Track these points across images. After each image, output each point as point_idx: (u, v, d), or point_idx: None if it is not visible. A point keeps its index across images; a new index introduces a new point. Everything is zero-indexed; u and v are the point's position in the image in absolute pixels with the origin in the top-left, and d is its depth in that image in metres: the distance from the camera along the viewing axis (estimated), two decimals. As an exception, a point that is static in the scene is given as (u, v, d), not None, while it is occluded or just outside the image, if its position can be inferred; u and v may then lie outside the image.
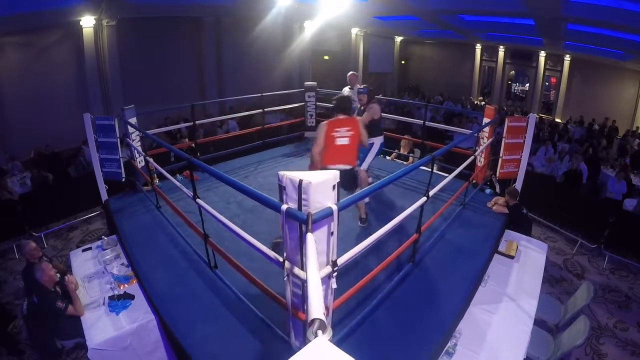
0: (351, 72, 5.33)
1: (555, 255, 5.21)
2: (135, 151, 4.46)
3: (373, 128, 4.00)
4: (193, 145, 5.47)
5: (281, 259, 1.95)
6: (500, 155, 4.55)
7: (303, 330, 1.89)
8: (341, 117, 3.38)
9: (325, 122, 3.35)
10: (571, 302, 3.41)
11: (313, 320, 0.97)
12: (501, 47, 15.06)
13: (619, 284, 4.66)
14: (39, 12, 6.67)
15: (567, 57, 13.38)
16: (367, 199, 4.07)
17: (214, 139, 6.41)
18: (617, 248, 5.10)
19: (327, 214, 1.72)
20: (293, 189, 1.79)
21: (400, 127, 8.25)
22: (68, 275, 3.06)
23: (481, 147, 4.56)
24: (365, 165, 4.11)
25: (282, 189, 1.87)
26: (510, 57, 15.32)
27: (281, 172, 1.87)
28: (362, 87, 4.35)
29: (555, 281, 4.66)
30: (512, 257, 3.46)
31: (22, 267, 3.63)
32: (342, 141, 3.31)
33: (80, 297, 2.98)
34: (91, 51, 8.04)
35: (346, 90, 5.12)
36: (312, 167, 3.41)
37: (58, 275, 3.06)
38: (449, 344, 2.49)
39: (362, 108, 4.20)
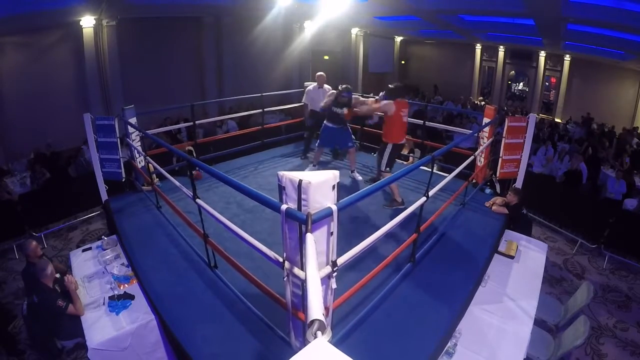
0: (319, 73, 5.58)
1: (555, 255, 5.21)
2: (135, 151, 4.46)
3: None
4: (190, 147, 5.47)
5: (281, 259, 1.95)
6: (500, 155, 4.55)
7: (303, 331, 1.89)
8: (400, 100, 4.11)
9: (393, 101, 4.03)
10: (571, 302, 3.41)
11: (312, 321, 0.97)
12: (501, 47, 15.05)
13: (619, 284, 4.67)
14: (39, 12, 6.65)
15: (567, 57, 13.37)
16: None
17: (213, 139, 6.40)
18: (617, 248, 5.10)
19: (326, 214, 1.72)
20: (293, 189, 1.79)
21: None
22: (68, 275, 3.06)
23: (481, 147, 4.56)
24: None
25: (281, 189, 1.87)
26: (510, 57, 15.31)
27: (281, 172, 1.87)
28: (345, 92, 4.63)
29: (555, 281, 4.66)
30: (512, 257, 3.46)
31: (22, 267, 3.63)
32: (405, 119, 4.22)
33: (80, 297, 2.98)
34: (91, 51, 8.03)
35: (310, 86, 5.60)
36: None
37: (58, 275, 3.06)
38: (449, 344, 2.49)
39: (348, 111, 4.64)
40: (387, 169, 4.22)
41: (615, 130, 10.92)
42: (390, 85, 4.21)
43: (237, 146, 5.79)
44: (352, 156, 4.96)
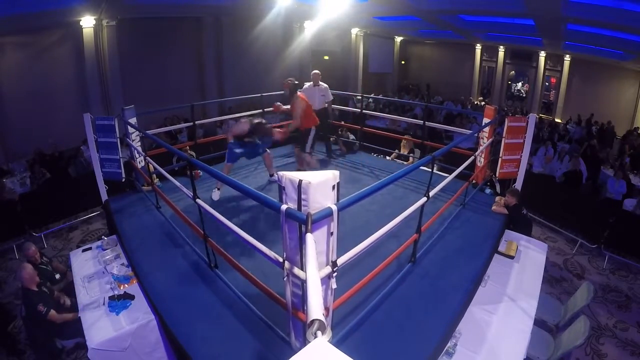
0: (314, 71, 5.62)
1: (555, 255, 5.21)
2: (135, 151, 4.46)
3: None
4: (188, 148, 5.48)
5: (281, 259, 1.95)
6: (500, 155, 4.55)
7: (303, 331, 1.89)
8: (300, 91, 4.61)
9: (300, 98, 4.43)
10: (571, 302, 3.41)
11: (313, 321, 0.97)
12: (501, 47, 15.06)
13: (619, 284, 4.67)
14: (39, 12, 6.66)
15: (567, 57, 13.38)
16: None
17: (213, 139, 6.39)
18: (617, 248, 5.11)
19: (326, 214, 1.72)
20: (292, 189, 1.79)
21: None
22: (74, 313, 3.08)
23: (481, 147, 4.56)
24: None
25: (281, 189, 1.87)
26: (510, 57, 15.32)
27: (281, 172, 1.87)
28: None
29: (555, 281, 4.66)
30: (512, 257, 3.46)
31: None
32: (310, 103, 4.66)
33: (81, 297, 2.98)
34: (91, 51, 8.04)
35: (306, 84, 5.59)
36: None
37: (38, 271, 3.07)
38: (449, 344, 2.49)
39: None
40: (311, 149, 4.68)
41: (614, 130, 10.90)
42: (287, 82, 4.53)
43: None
44: (269, 160, 4.66)
